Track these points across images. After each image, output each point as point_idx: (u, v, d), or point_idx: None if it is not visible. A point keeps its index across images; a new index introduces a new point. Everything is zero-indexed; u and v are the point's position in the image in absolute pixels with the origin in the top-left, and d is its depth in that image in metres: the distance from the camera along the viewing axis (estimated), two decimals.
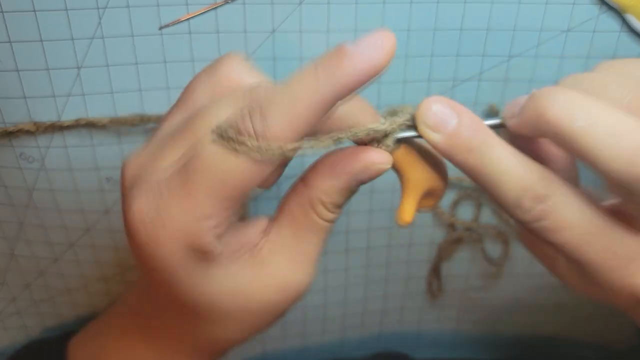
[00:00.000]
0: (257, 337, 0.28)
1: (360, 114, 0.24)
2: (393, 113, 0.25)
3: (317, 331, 0.49)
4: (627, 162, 0.21)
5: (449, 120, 0.23)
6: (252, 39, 0.34)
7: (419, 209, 0.27)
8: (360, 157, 0.24)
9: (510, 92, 0.38)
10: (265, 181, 0.24)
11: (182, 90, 0.26)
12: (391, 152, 0.25)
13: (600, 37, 0.35)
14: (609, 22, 0.35)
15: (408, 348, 0.51)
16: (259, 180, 0.23)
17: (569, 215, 0.23)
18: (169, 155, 0.24)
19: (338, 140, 0.23)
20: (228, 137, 0.22)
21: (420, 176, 0.26)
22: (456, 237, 0.45)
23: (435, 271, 0.46)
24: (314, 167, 0.25)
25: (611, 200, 0.25)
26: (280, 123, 0.21)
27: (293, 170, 0.27)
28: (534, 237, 0.25)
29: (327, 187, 0.25)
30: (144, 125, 0.36)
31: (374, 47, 0.21)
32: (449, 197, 0.43)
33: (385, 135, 0.24)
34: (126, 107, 0.35)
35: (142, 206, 0.23)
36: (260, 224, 0.27)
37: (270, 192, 0.29)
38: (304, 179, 0.25)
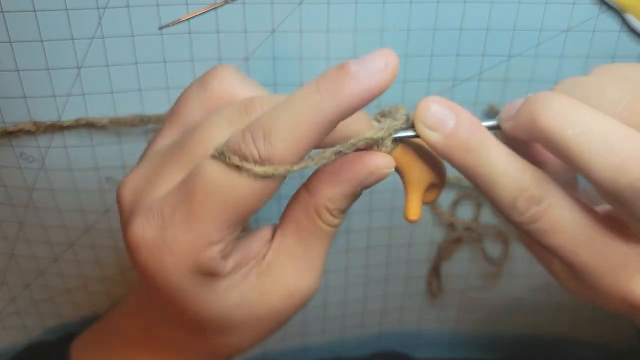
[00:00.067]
0: None
1: (353, 122, 0.24)
2: (385, 114, 0.25)
3: (317, 331, 0.49)
4: (617, 171, 0.21)
5: (447, 121, 0.23)
6: (252, 39, 0.34)
7: (423, 204, 0.27)
8: (365, 163, 0.24)
9: (510, 92, 0.38)
10: None
11: (174, 104, 0.26)
12: (390, 153, 0.25)
13: (600, 37, 0.35)
14: (609, 22, 0.35)
15: (408, 348, 0.51)
16: (265, 202, 0.23)
17: (563, 218, 0.23)
18: (166, 179, 0.23)
19: (339, 153, 0.23)
20: (232, 164, 0.21)
21: (420, 173, 0.26)
22: (456, 237, 0.45)
23: (435, 271, 0.46)
24: (317, 175, 0.25)
25: (607, 206, 0.25)
26: (285, 146, 0.21)
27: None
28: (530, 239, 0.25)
29: (332, 194, 0.24)
30: (144, 126, 0.36)
31: (378, 68, 0.21)
32: (449, 197, 0.43)
33: (383, 139, 0.24)
34: (126, 107, 0.35)
35: (145, 233, 0.23)
36: (265, 234, 0.27)
37: None
38: (307, 186, 0.25)
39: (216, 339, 0.27)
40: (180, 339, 0.28)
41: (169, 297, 0.24)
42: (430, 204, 0.27)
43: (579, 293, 0.28)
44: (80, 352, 0.35)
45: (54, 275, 0.43)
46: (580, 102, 0.22)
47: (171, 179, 0.23)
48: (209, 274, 0.23)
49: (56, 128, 0.35)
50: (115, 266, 0.42)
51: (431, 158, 0.26)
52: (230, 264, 0.24)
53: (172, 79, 0.35)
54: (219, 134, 0.23)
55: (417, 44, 0.36)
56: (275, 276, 0.26)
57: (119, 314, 0.34)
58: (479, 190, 0.24)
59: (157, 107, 0.36)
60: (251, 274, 0.26)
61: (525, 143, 0.26)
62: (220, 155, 0.22)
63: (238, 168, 0.21)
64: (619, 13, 0.34)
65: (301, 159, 0.22)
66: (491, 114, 0.39)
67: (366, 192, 0.25)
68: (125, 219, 0.24)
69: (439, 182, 0.27)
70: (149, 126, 0.36)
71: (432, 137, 0.24)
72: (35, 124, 0.34)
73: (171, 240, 0.22)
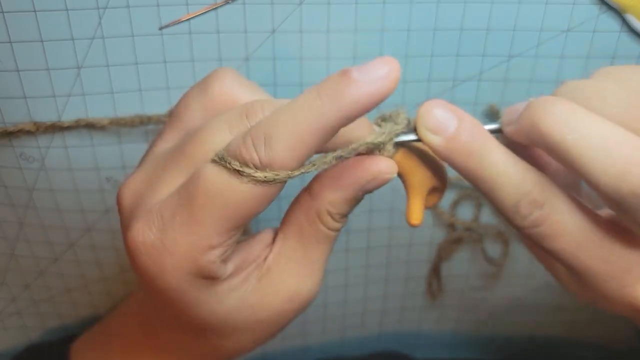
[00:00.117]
0: None
1: (354, 126, 0.23)
2: (386, 118, 0.25)
3: (317, 331, 0.49)
4: (617, 177, 0.21)
5: (449, 124, 0.23)
6: (252, 39, 0.34)
7: (425, 208, 0.27)
8: (367, 167, 0.24)
9: (510, 92, 0.38)
10: None
11: (174, 107, 0.26)
12: (391, 157, 0.25)
13: (600, 37, 0.35)
14: (609, 22, 0.35)
15: (408, 348, 0.51)
16: (265, 206, 0.23)
17: (565, 222, 0.23)
18: (167, 182, 0.23)
19: (340, 157, 0.23)
20: (233, 168, 0.21)
21: (421, 177, 0.26)
22: (456, 237, 0.45)
23: (435, 271, 0.46)
24: (319, 179, 0.25)
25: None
26: (286, 151, 0.21)
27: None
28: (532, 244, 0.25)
29: (334, 198, 0.24)
30: (144, 126, 0.36)
31: (380, 75, 0.21)
32: (449, 197, 0.43)
33: (384, 143, 0.24)
34: (126, 107, 0.35)
35: (145, 236, 0.23)
36: (266, 237, 0.27)
37: None
38: (309, 190, 0.25)
39: (216, 341, 0.27)
40: (180, 341, 0.28)
41: (169, 299, 0.24)
42: (431, 208, 0.27)
43: (581, 296, 0.28)
44: (80, 353, 0.35)
45: (54, 275, 0.43)
46: (581, 106, 0.22)
47: (171, 182, 0.23)
48: (209, 277, 0.23)
49: (56, 128, 0.35)
50: (115, 266, 0.42)
51: (432, 162, 0.26)
52: (230, 267, 0.24)
53: (172, 79, 0.35)
54: (219, 138, 0.23)
55: (417, 44, 0.36)
56: (276, 279, 0.26)
57: (119, 315, 0.34)
58: (481, 194, 0.24)
59: (157, 107, 0.36)
60: (251, 277, 0.25)
61: (526, 146, 0.26)
62: (221, 160, 0.22)
63: (238, 173, 0.21)
64: (619, 13, 0.34)
65: (302, 164, 0.22)
66: (491, 114, 0.38)
67: None
68: (126, 221, 0.24)
69: (441, 185, 0.27)
70: (148, 126, 0.36)
71: (434, 140, 0.23)
72: (35, 124, 0.34)
73: (171, 243, 0.22)
